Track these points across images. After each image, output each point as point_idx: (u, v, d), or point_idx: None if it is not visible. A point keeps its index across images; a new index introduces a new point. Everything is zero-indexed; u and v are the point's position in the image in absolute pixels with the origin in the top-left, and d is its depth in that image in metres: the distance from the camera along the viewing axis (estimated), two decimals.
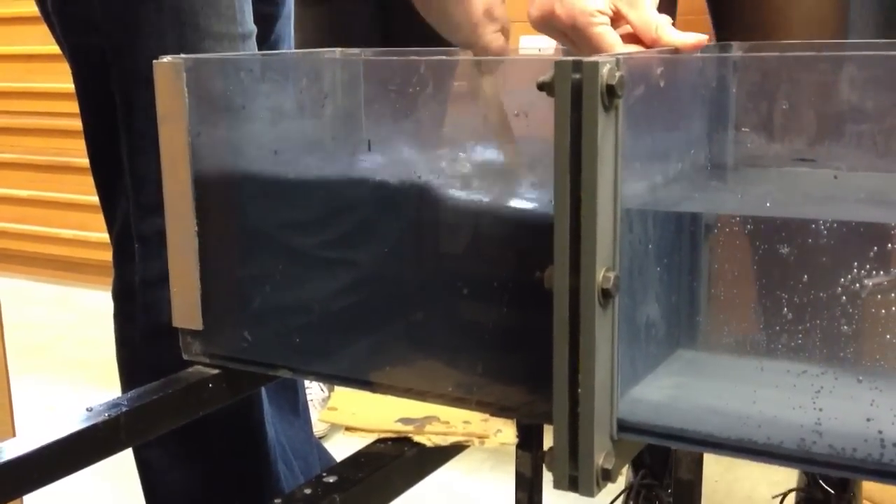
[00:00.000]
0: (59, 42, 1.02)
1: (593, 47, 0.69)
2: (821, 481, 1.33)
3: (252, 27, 0.99)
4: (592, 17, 0.68)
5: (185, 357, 0.76)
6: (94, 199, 1.05)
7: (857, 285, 0.56)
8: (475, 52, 0.73)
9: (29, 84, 2.68)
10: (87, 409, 0.67)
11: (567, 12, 0.69)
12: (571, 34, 0.70)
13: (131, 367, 1.05)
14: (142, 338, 1.02)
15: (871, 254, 0.55)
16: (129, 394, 0.70)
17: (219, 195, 0.73)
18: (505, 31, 0.69)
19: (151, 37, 0.93)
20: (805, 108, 0.62)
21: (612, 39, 0.68)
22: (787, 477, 1.52)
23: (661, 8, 0.70)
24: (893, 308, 0.55)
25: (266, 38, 1.11)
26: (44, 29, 1.03)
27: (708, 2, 1.23)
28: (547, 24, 0.71)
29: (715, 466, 1.56)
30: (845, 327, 0.57)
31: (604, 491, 0.59)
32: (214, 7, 0.94)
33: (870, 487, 1.37)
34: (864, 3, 1.31)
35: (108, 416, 0.67)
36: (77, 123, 1.03)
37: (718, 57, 0.74)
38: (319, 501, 0.59)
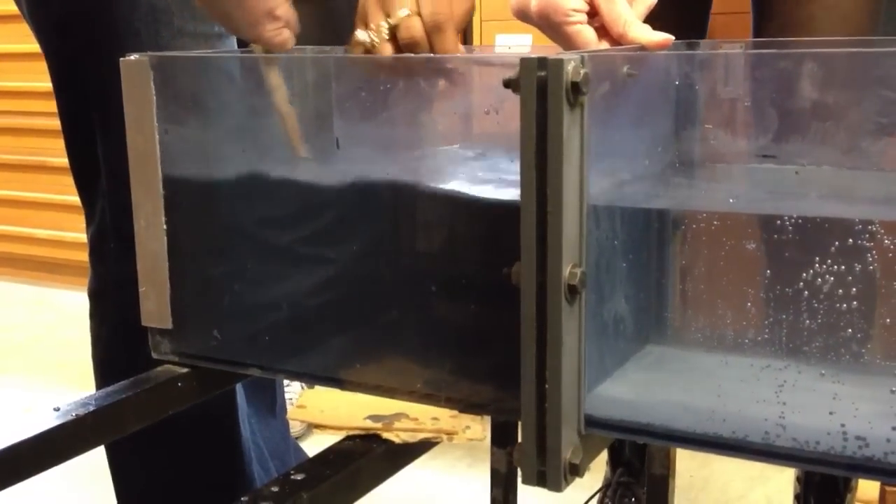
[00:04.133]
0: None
1: (569, 45, 0.69)
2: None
3: None
4: (567, 17, 0.68)
5: (154, 356, 0.76)
6: (71, 198, 1.05)
7: (820, 280, 0.56)
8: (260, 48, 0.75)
9: (1, 83, 2.66)
10: (55, 409, 0.67)
11: (541, 10, 0.69)
12: (546, 31, 0.70)
13: (106, 365, 1.05)
14: (117, 336, 1.02)
15: (833, 249, 0.56)
16: (98, 393, 0.70)
17: (188, 194, 0.73)
18: (291, 27, 0.71)
19: (126, 36, 0.92)
20: (767, 105, 0.62)
21: (587, 37, 0.68)
22: (761, 472, 1.53)
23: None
24: (855, 303, 0.56)
25: None
26: (15, 27, 1.03)
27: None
28: (524, 17, 0.71)
29: (689, 461, 1.56)
30: (808, 322, 0.57)
31: (582, 488, 0.59)
32: (190, 6, 0.93)
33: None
34: None
35: (76, 415, 0.67)
36: (51, 122, 1.03)
37: (684, 54, 0.74)
38: (287, 499, 0.59)
